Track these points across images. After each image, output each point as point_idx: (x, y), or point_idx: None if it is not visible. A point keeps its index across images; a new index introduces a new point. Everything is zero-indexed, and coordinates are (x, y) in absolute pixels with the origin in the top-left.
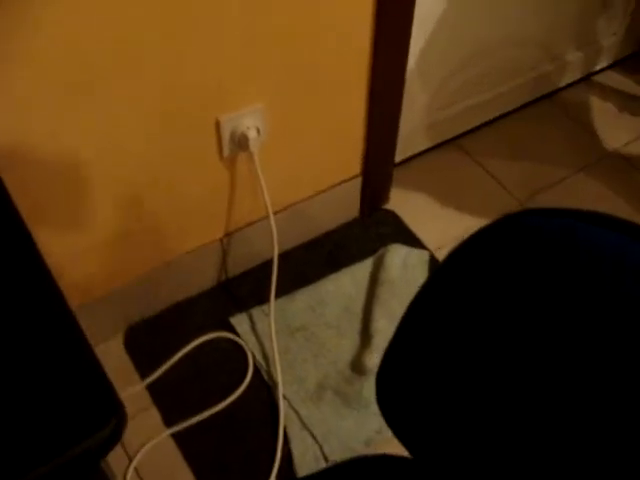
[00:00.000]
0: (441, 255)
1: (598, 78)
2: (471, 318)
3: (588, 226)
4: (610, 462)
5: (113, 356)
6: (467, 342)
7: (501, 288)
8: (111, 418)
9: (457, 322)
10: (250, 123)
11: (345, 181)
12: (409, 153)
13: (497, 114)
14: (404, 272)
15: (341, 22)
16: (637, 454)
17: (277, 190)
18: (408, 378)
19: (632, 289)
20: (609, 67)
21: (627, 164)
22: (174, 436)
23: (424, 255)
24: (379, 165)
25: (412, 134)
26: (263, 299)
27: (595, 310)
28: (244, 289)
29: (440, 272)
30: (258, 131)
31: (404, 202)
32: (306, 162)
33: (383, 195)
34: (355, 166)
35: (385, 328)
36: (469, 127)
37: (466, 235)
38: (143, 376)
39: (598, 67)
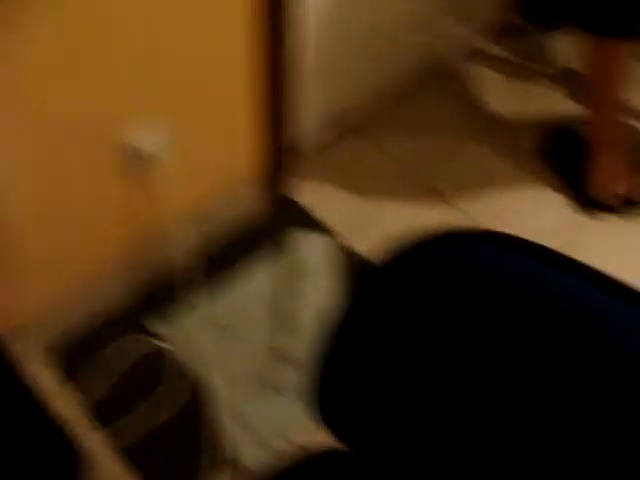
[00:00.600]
0: (354, 241)
1: (483, 54)
2: (394, 337)
3: (497, 250)
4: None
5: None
6: (395, 354)
7: (417, 310)
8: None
9: (383, 340)
10: (151, 137)
11: (249, 178)
12: (313, 142)
13: (394, 96)
14: (318, 264)
15: (217, 25)
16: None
17: (181, 196)
18: (347, 390)
19: (540, 309)
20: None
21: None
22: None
23: (335, 244)
24: (280, 160)
25: (314, 127)
26: (186, 304)
27: (509, 332)
28: (162, 297)
29: (360, 297)
30: (161, 143)
31: (311, 193)
32: (206, 166)
33: (289, 188)
34: (257, 162)
35: (307, 316)
36: (371, 113)
37: (375, 222)
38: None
39: (482, 39)
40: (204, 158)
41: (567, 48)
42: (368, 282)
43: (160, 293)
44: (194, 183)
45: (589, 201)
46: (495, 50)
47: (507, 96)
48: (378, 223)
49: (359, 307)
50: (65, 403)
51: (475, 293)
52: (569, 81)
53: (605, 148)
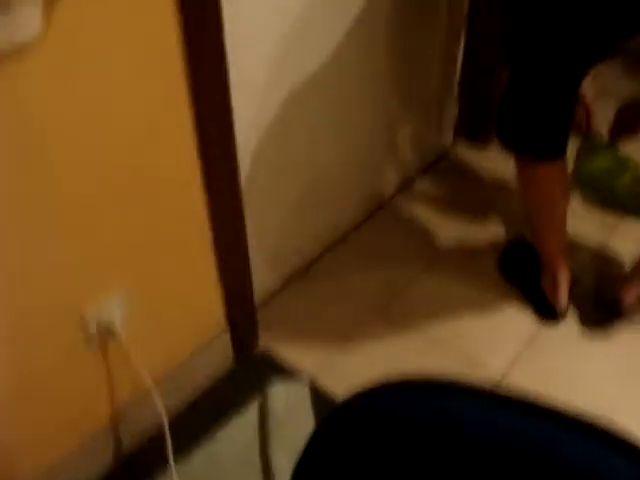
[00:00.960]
0: (322, 382)
1: (420, 182)
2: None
3: (416, 397)
4: None
5: None
6: None
7: (357, 463)
8: None
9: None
10: (112, 309)
11: (214, 337)
12: (270, 290)
13: (339, 234)
14: (289, 410)
15: (172, 192)
16: None
17: (152, 363)
18: None
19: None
20: (426, 170)
21: (467, 253)
22: None
23: (304, 388)
24: (242, 315)
25: (267, 271)
26: (162, 467)
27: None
28: (142, 462)
29: (306, 453)
30: (118, 315)
31: (275, 339)
32: (173, 329)
33: (253, 340)
34: (220, 320)
35: (285, 467)
36: (319, 250)
37: (341, 361)
38: None
39: (416, 172)
40: (167, 320)
41: (503, 165)
42: (317, 431)
43: (143, 461)
44: (159, 346)
45: (549, 310)
46: (433, 177)
47: (452, 220)
48: (344, 362)
49: (312, 452)
50: None
51: (417, 441)
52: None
53: (549, 261)
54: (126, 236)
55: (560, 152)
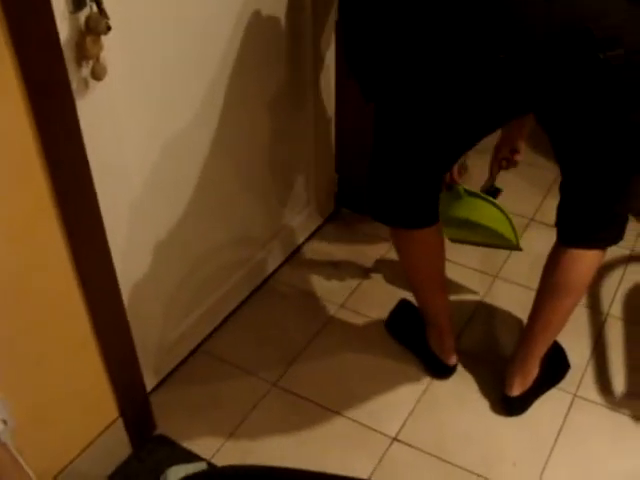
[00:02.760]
0: (219, 461)
1: (304, 250)
2: None
3: None
4: None
5: None
6: None
7: None
8: None
9: None
10: None
11: (108, 427)
12: (162, 375)
13: (226, 313)
14: None
15: (46, 290)
16: None
17: (44, 463)
18: None
19: None
20: (311, 236)
21: (355, 318)
22: None
23: (202, 467)
24: (133, 401)
25: (157, 356)
26: None
27: None
28: None
29: None
30: (5, 422)
31: (171, 422)
32: (63, 426)
33: (148, 424)
34: (111, 410)
35: None
36: (209, 330)
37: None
38: None
39: (301, 240)
40: (57, 418)
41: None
42: None
43: None
44: (59, 445)
45: (439, 367)
46: (316, 246)
47: (338, 287)
48: (241, 442)
49: None
50: None
51: None
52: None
53: (432, 318)
54: (4, 340)
55: (430, 221)
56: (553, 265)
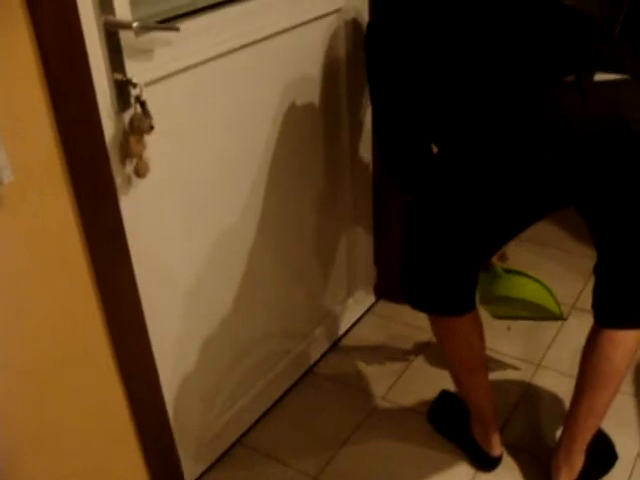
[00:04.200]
0: None
1: (345, 341)
2: None
3: None
4: None
5: None
6: None
7: None
8: None
9: None
10: None
11: None
12: (202, 467)
13: (269, 404)
14: None
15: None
16: None
17: None
18: None
19: None
20: (352, 327)
21: (398, 409)
22: None
23: None
24: None
25: (197, 448)
26: None
27: None
28: None
29: None
30: None
31: None
32: None
33: None
34: None
35: None
36: (251, 422)
37: None
38: None
39: (343, 331)
40: None
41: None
42: None
43: None
44: None
45: (483, 458)
46: (358, 337)
47: (380, 377)
48: None
49: None
50: None
51: None
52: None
53: (476, 409)
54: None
55: (468, 308)
56: (591, 349)
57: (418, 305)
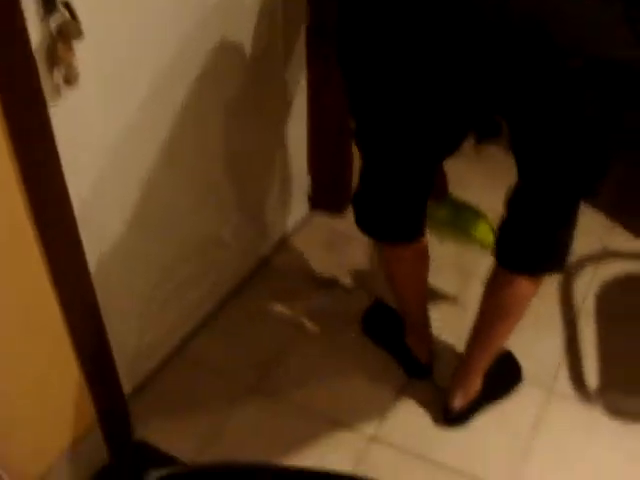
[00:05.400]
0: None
1: (280, 251)
2: None
3: None
4: None
5: None
6: None
7: None
8: None
9: None
10: None
11: (85, 434)
12: (139, 380)
13: (206, 314)
14: None
15: (22, 296)
16: None
17: (21, 472)
18: None
19: None
20: (286, 237)
21: (331, 319)
22: None
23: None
24: (111, 407)
25: (134, 361)
26: None
27: None
28: None
29: None
30: None
31: (149, 427)
32: (38, 433)
33: (127, 430)
34: (89, 416)
35: None
36: (186, 334)
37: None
38: None
39: (276, 241)
40: (33, 425)
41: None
42: None
43: None
44: (27, 452)
45: (416, 366)
46: (292, 249)
47: (314, 289)
48: (221, 443)
49: None
50: None
51: None
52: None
53: (411, 321)
54: None
55: (418, 235)
56: (490, 285)
57: (369, 232)
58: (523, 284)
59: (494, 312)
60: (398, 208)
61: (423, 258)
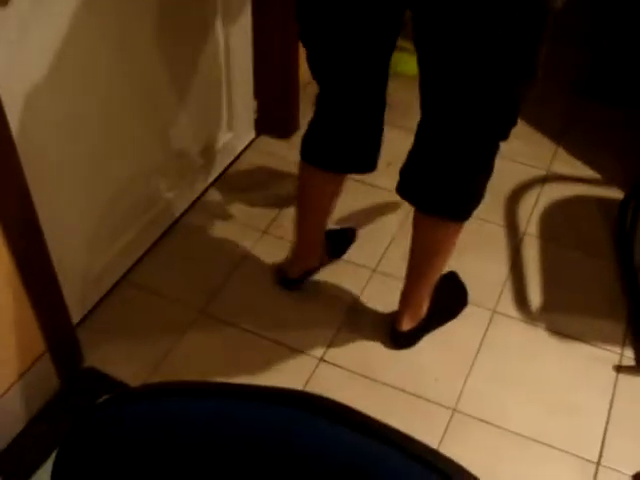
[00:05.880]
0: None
1: (226, 176)
2: None
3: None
4: None
5: None
6: None
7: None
8: None
9: None
10: None
11: (35, 361)
12: (88, 307)
13: (152, 241)
14: None
15: None
16: None
17: None
18: None
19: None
20: (232, 163)
21: (277, 242)
22: None
23: None
24: (59, 334)
25: (83, 288)
26: None
27: None
28: None
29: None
30: None
31: (99, 354)
32: None
33: (76, 357)
34: (38, 344)
35: None
36: (134, 260)
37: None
38: None
39: (223, 167)
40: None
41: None
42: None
43: None
44: None
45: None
46: (240, 170)
47: (261, 215)
48: (169, 368)
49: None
50: None
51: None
52: None
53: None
54: None
55: (371, 167)
56: (413, 229)
57: (316, 161)
58: (437, 225)
59: (420, 253)
60: (355, 130)
61: (338, 189)
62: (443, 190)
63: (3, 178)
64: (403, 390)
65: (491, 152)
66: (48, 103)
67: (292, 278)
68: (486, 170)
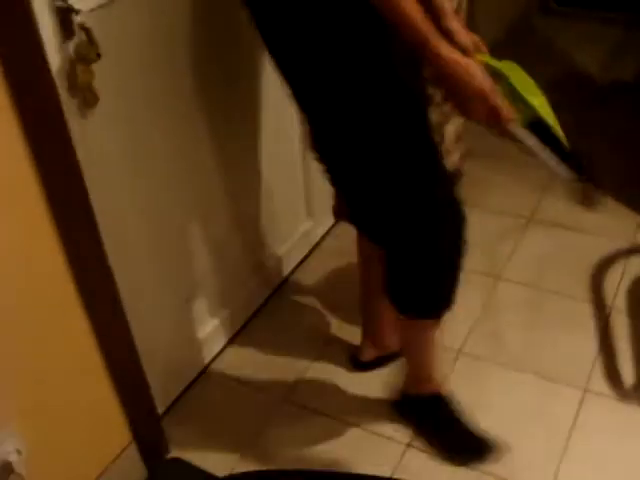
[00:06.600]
0: None
1: (304, 266)
2: None
3: None
4: None
5: None
6: None
7: None
8: None
9: None
10: (9, 447)
11: (121, 452)
12: (172, 397)
13: (236, 329)
14: None
15: (53, 318)
16: None
17: None
18: None
19: None
20: (312, 251)
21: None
22: None
23: None
24: (145, 424)
25: (169, 377)
26: None
27: None
28: None
29: None
30: (19, 452)
31: (184, 444)
32: (76, 453)
33: (162, 447)
34: (124, 434)
35: None
36: (218, 349)
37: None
38: None
39: (302, 256)
40: (69, 446)
41: None
42: None
43: None
44: (65, 473)
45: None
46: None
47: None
48: (257, 458)
49: None
50: None
51: None
52: None
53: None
54: (13, 370)
55: None
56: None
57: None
58: (407, 324)
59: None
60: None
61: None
62: (406, 292)
63: (87, 256)
64: (494, 475)
65: (440, 261)
66: (131, 194)
67: (363, 361)
68: (450, 276)
